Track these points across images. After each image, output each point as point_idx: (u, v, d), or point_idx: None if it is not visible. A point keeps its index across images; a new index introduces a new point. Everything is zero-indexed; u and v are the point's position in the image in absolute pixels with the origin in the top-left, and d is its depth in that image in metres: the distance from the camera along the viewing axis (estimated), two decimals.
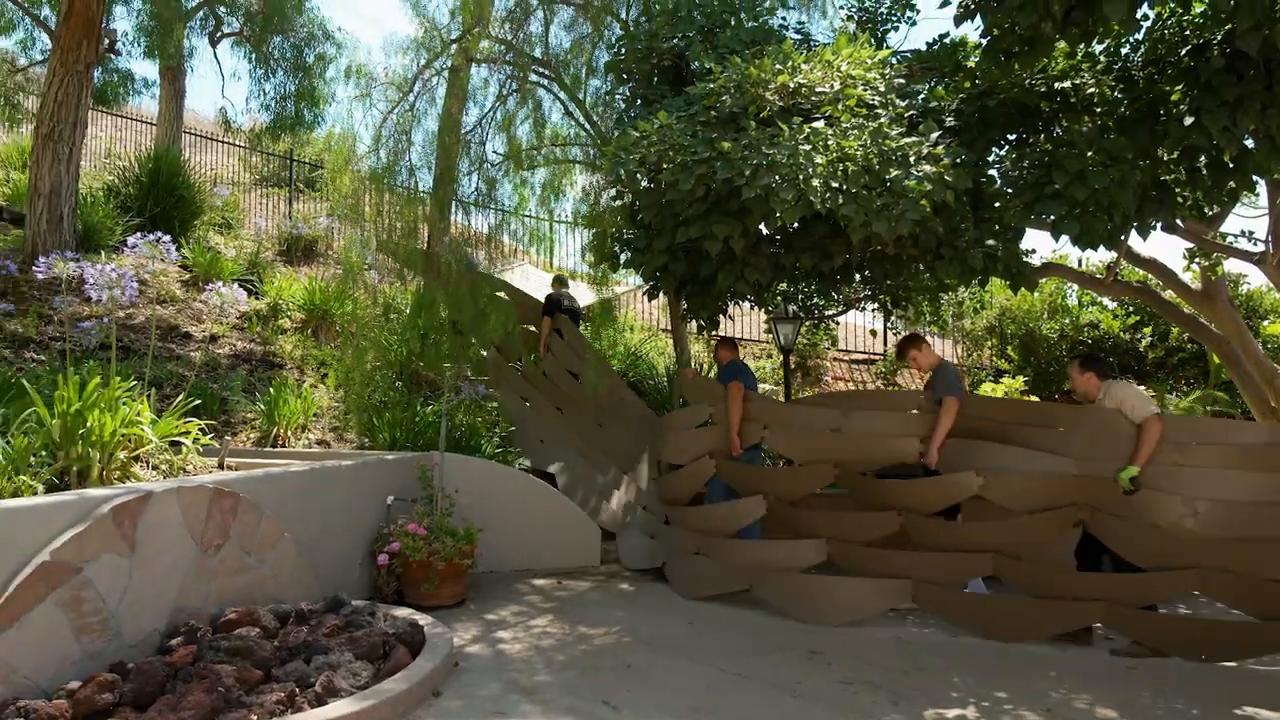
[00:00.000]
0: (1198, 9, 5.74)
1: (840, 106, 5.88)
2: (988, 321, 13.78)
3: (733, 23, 7.64)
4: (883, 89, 6.10)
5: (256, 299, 10.07)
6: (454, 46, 8.98)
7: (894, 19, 7.99)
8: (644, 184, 6.31)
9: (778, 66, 6.13)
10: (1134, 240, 6.46)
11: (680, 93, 6.89)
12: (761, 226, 6.28)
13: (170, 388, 7.21)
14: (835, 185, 5.26)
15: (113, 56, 12.78)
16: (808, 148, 5.40)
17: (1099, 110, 6.30)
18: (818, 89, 6.03)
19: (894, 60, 6.91)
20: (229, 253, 11.21)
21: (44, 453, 4.32)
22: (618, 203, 7.65)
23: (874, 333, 13.56)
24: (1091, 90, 6.22)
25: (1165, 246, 21.18)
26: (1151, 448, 5.16)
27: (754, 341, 14.81)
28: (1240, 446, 5.18)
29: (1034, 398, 11.61)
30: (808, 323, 12.22)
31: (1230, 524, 5.04)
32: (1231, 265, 10.34)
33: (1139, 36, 6.19)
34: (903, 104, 6.13)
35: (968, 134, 6.37)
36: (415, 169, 8.82)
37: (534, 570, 6.86)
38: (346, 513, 5.55)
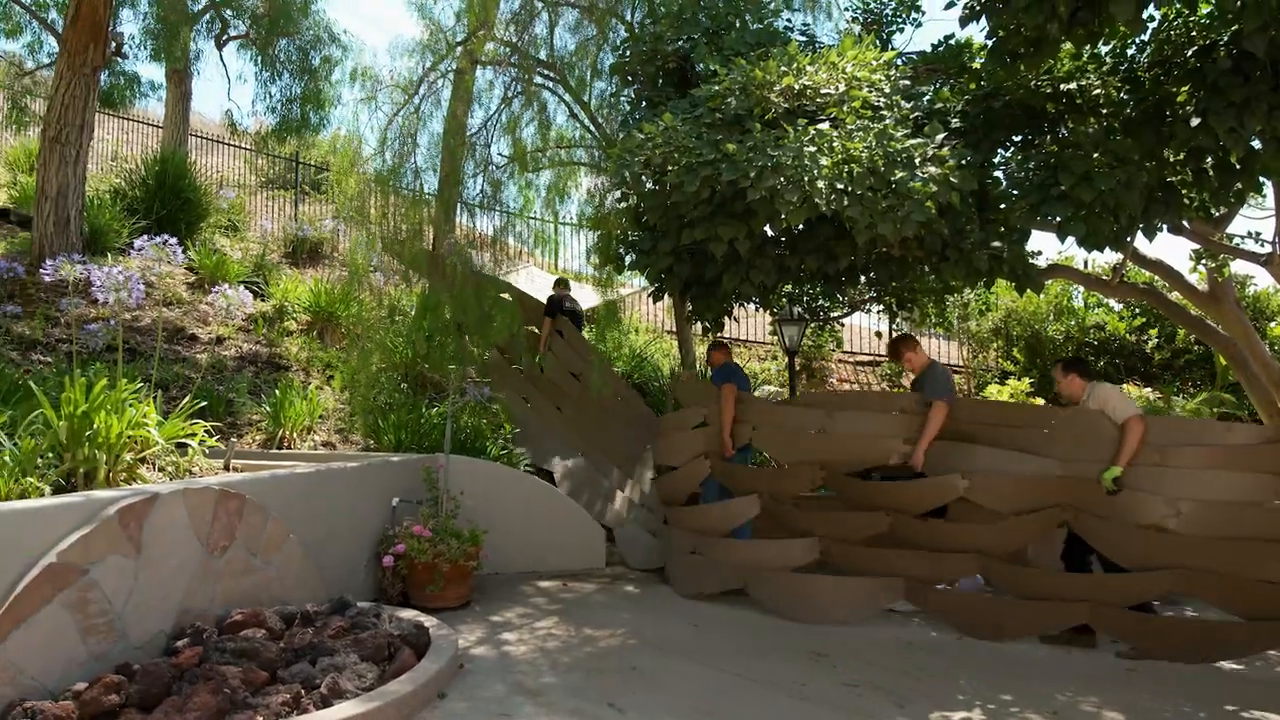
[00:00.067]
0: (1204, 10, 5.72)
1: (845, 108, 5.87)
2: (993, 323, 13.75)
3: (738, 25, 7.64)
4: (888, 91, 6.09)
5: (262, 301, 10.10)
6: (459, 49, 8.99)
7: (899, 20, 7.97)
8: (649, 186, 6.30)
9: (783, 68, 6.12)
10: (1140, 242, 6.44)
11: (685, 95, 6.88)
12: (766, 228, 6.27)
13: (176, 390, 7.23)
14: (840, 187, 5.26)
15: (119, 59, 12.82)
16: (813, 149, 5.39)
17: (1105, 111, 6.28)
18: (823, 91, 6.02)
19: (899, 62, 6.89)
20: (235, 255, 11.24)
21: (51, 454, 4.33)
22: (623, 205, 7.65)
23: (879, 334, 13.55)
24: (1097, 91, 6.20)
25: (1171, 248, 21.14)
26: (1133, 448, 5.21)
27: (759, 343, 14.80)
28: (1222, 447, 5.22)
29: (1039, 400, 11.58)
30: (813, 324, 12.20)
31: (1213, 524, 5.07)
32: (1238, 267, 10.32)
33: (1145, 37, 6.17)
34: (908, 106, 6.12)
35: (973, 135, 6.36)
36: (420, 171, 8.85)
37: (539, 572, 6.86)
38: (352, 514, 5.56)
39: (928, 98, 6.71)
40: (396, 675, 3.88)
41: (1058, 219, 5.67)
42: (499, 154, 9.61)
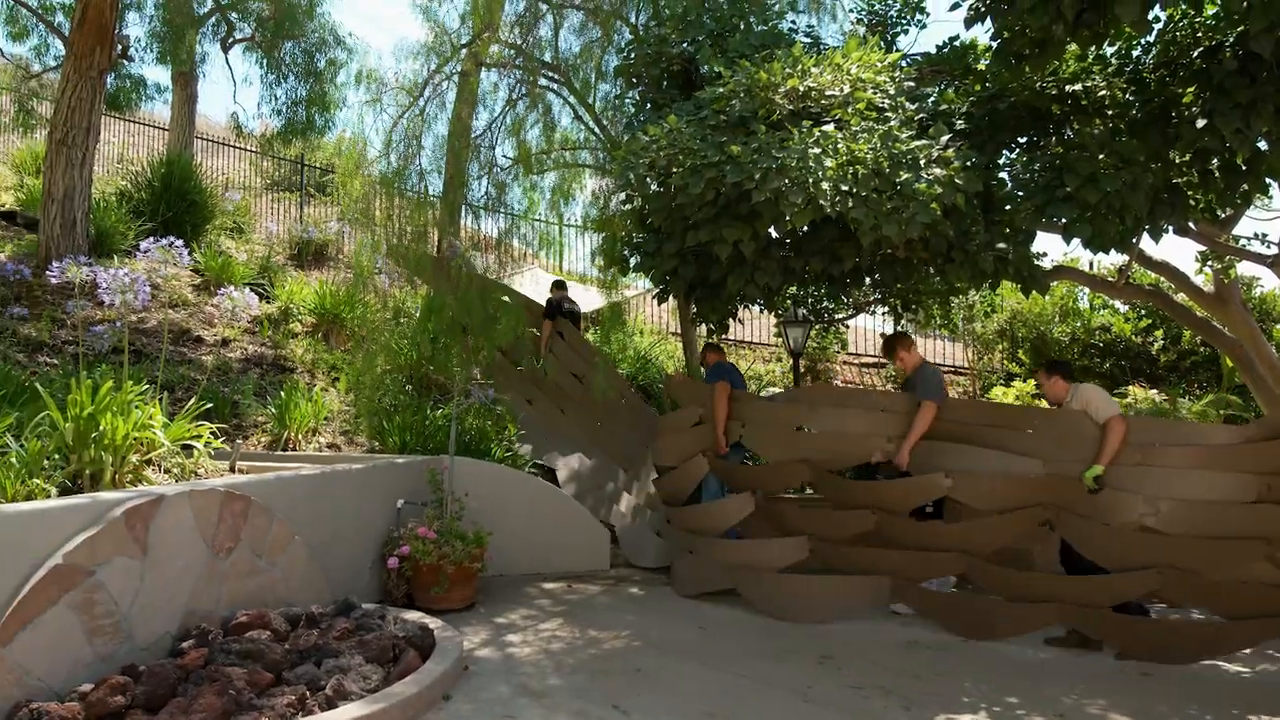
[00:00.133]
0: (1210, 11, 5.71)
1: (850, 110, 5.87)
2: (998, 325, 13.72)
3: (742, 27, 7.64)
4: (893, 92, 6.09)
5: (268, 303, 10.12)
6: (464, 51, 9.00)
7: (904, 22, 7.96)
8: (653, 188, 6.31)
9: (787, 70, 6.12)
10: (1146, 243, 6.41)
11: (690, 97, 6.89)
12: (771, 230, 6.28)
13: (182, 391, 7.25)
14: (845, 188, 5.25)
15: (125, 62, 12.85)
16: (817, 151, 5.39)
17: (1110, 113, 6.27)
18: (827, 92, 6.02)
19: (904, 63, 6.89)
20: (240, 257, 11.26)
21: (57, 456, 4.34)
22: (627, 207, 7.65)
23: (884, 336, 13.52)
24: (1103, 93, 6.19)
25: (1177, 249, 21.11)
26: (1115, 447, 5.24)
27: (764, 345, 14.80)
28: (1204, 447, 5.24)
29: (1044, 402, 11.54)
30: (817, 326, 12.19)
31: (1194, 523, 5.08)
32: (1244, 268, 10.30)
33: (1150, 39, 6.16)
34: (913, 107, 6.11)
35: (978, 137, 6.35)
36: (425, 173, 8.86)
37: (544, 574, 6.86)
38: (357, 516, 5.56)
39: (932, 99, 6.71)
40: (401, 677, 3.88)
41: (1063, 220, 5.66)
42: (504, 156, 9.62)
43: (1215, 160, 5.84)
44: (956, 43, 7.06)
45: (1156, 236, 6.03)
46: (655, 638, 5.22)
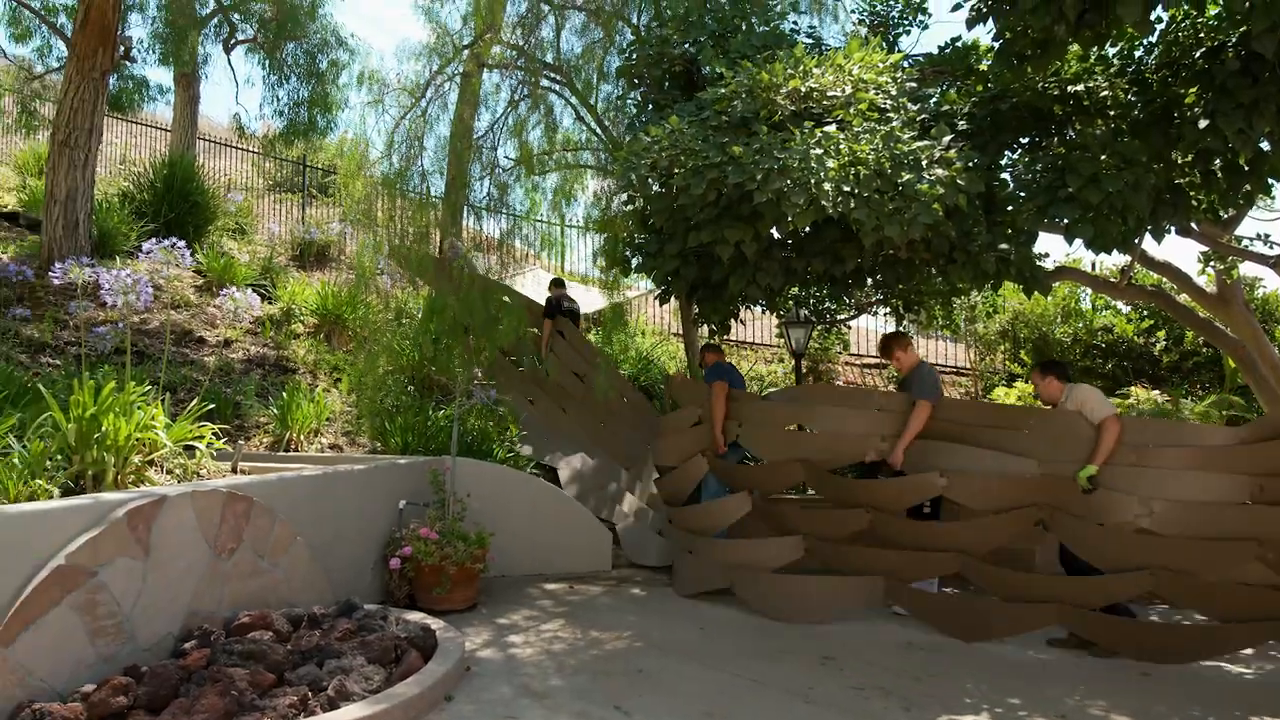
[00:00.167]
0: (1212, 11, 5.70)
1: (852, 110, 5.87)
2: (1000, 326, 13.70)
3: (744, 28, 7.64)
4: (894, 93, 6.08)
5: (270, 304, 10.13)
6: (466, 52, 9.01)
7: (905, 23, 7.96)
8: (655, 189, 6.31)
9: (789, 71, 6.12)
10: (1148, 244, 6.41)
11: (691, 97, 6.89)
12: (773, 231, 6.27)
13: (184, 392, 7.26)
14: (847, 189, 5.25)
15: (128, 63, 12.87)
16: (819, 152, 5.39)
17: (1112, 113, 6.26)
18: (829, 93, 6.02)
19: (906, 64, 6.88)
20: (243, 258, 11.27)
21: (59, 457, 4.35)
22: (629, 207, 7.65)
23: (882, 336, 13.50)
24: (1105, 93, 6.18)
25: (1180, 250, 21.09)
26: (1109, 447, 5.24)
27: (766, 346, 14.79)
28: (1197, 448, 5.24)
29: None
30: (819, 327, 12.19)
31: (1188, 525, 5.08)
32: (1247, 269, 10.28)
33: (1153, 39, 6.15)
34: (915, 108, 6.11)
35: (980, 137, 6.34)
36: (427, 174, 8.87)
37: (545, 575, 6.86)
38: (359, 517, 5.56)
39: (934, 100, 6.70)
40: (403, 678, 3.89)
41: (1065, 221, 5.65)
42: (505, 157, 9.64)
43: (1218, 160, 5.83)
44: (958, 43, 7.06)
45: (1159, 237, 6.02)
46: (657, 638, 5.22)
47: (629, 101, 8.68)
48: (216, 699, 3.37)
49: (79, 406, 4.38)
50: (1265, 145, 5.49)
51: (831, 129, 5.63)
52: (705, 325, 8.70)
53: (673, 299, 8.25)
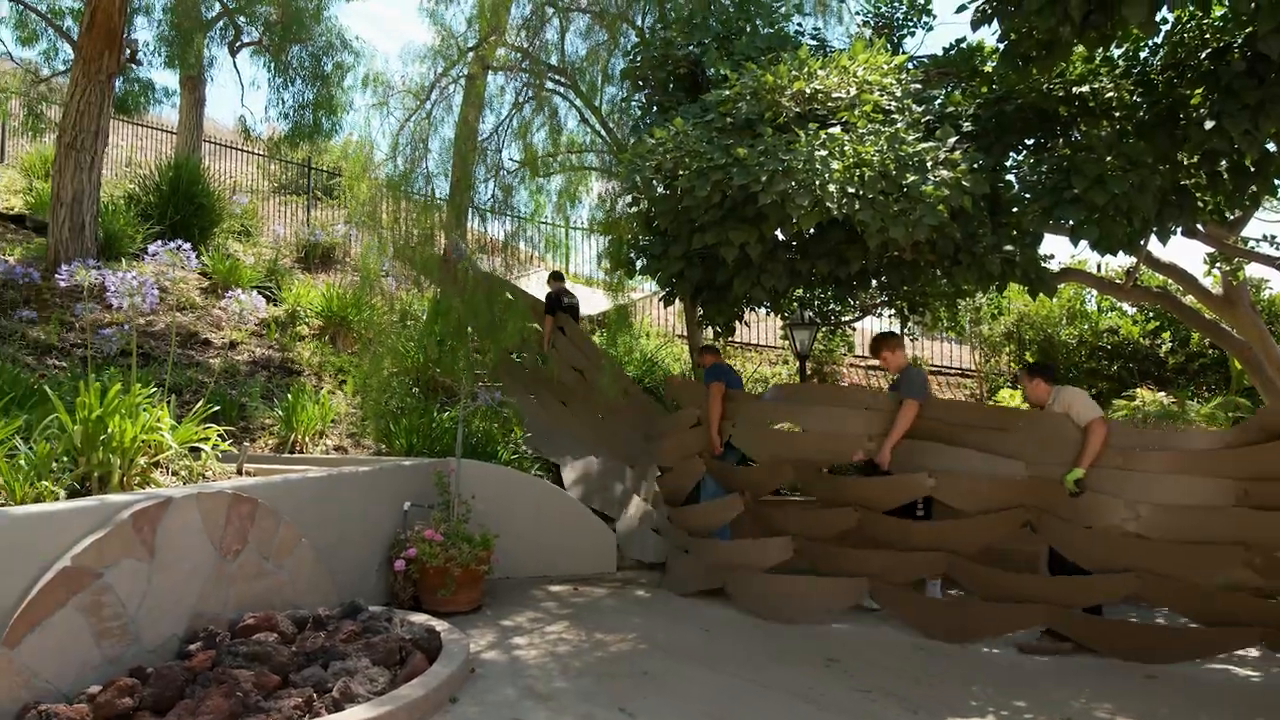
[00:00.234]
0: (1218, 12, 5.68)
1: (856, 112, 5.87)
2: (1005, 327, 13.66)
3: (748, 29, 7.64)
4: (899, 94, 6.08)
5: (275, 306, 10.15)
6: (470, 54, 9.03)
7: (910, 24, 7.96)
8: (660, 190, 6.31)
9: (794, 73, 6.12)
10: (1154, 245, 6.41)
11: (696, 99, 6.89)
12: (778, 232, 6.28)
13: (190, 394, 7.27)
14: (851, 191, 5.25)
15: (134, 66, 12.94)
16: (824, 153, 5.39)
17: (1118, 114, 6.25)
18: (834, 95, 6.02)
19: (910, 65, 6.88)
20: (248, 260, 11.30)
21: (66, 459, 4.36)
22: (634, 209, 7.66)
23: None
24: (1110, 94, 6.17)
25: (1185, 251, 21.03)
26: (1096, 450, 5.23)
27: (770, 348, 14.77)
28: (1183, 452, 5.24)
29: None
30: (824, 329, 12.17)
31: (1173, 528, 5.07)
32: (1253, 270, 10.24)
33: (1158, 40, 6.14)
34: (919, 109, 6.11)
35: (985, 139, 6.34)
36: (432, 176, 8.87)
37: (550, 576, 6.86)
38: (363, 519, 5.57)
39: (939, 101, 6.70)
40: (408, 679, 3.88)
41: (1070, 222, 5.64)
42: (510, 159, 9.65)
43: (1223, 162, 5.82)
44: (963, 45, 7.05)
45: (1164, 238, 6.01)
46: (662, 640, 5.22)
47: (633, 104, 8.68)
48: (221, 700, 3.38)
49: (85, 408, 4.39)
50: (1271, 146, 5.48)
51: (836, 131, 5.63)
52: (710, 327, 8.70)
53: (677, 301, 8.26)
